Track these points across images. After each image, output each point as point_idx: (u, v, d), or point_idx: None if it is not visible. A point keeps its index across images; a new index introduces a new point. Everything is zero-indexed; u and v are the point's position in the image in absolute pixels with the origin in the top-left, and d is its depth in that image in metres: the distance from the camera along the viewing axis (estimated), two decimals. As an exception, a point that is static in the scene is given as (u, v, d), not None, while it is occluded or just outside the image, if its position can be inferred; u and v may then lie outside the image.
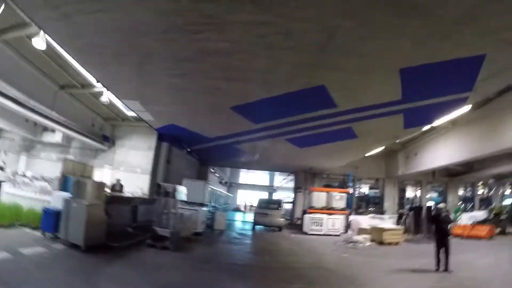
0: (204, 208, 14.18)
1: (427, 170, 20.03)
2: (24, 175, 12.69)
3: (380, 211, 22.78)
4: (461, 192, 26.83)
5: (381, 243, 13.74)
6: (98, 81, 10.17)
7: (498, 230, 15.91)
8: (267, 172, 38.09)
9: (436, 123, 12.47)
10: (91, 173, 12.54)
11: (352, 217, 19.21)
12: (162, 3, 5.21)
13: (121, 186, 12.95)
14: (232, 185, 42.06)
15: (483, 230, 15.41)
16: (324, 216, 17.56)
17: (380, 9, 5.00)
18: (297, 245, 13.29)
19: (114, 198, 9.82)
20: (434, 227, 8.76)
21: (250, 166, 25.50)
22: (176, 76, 8.21)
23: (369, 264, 9.61)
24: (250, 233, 17.37)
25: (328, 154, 16.89)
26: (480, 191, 26.75)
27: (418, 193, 26.11)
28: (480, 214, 19.24)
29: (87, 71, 9.09)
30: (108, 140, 16.12)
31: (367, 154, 17.77)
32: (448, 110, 10.25)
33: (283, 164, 22.09)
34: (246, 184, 43.16)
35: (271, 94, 9.05)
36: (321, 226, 17.19)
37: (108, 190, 10.41)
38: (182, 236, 10.37)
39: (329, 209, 18.53)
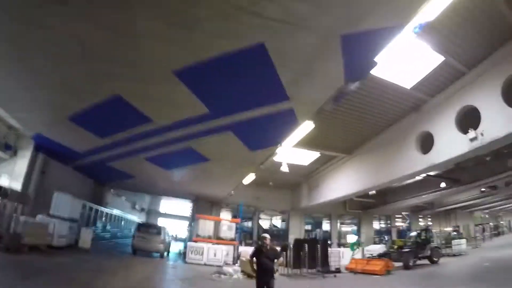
0: (68, 223, 15.09)
1: (327, 202, 20.82)
2: None
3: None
4: (377, 224, 28.53)
5: (250, 275, 12.39)
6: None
7: (395, 264, 15.67)
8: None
9: (287, 142, 12.22)
10: None
11: (242, 248, 19.36)
12: None
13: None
14: (151, 213, 42.30)
15: (378, 265, 14.98)
16: (205, 245, 17.92)
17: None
18: (159, 272, 13.40)
19: None
20: (255, 262, 6.71)
21: (147, 190, 26.10)
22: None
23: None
24: (119, 255, 17.68)
25: (202, 179, 18.37)
26: (398, 223, 28.57)
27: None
28: (378, 248, 20.00)
29: None
30: (10, 148, 15.80)
31: (245, 182, 18.67)
32: (284, 126, 10.76)
33: (173, 189, 22.99)
34: (166, 214, 43.43)
35: (82, 106, 10.68)
36: (201, 255, 17.45)
37: None
38: (24, 243, 11.47)
39: (216, 239, 19.27)
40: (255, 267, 6.61)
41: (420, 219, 29.64)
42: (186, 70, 7.96)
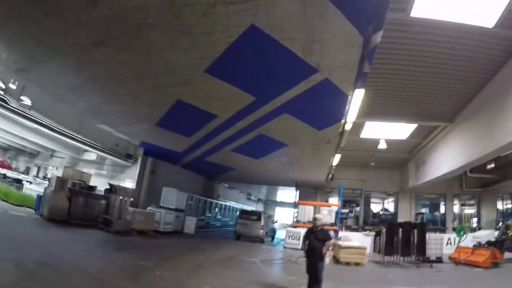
0: (174, 213, 17.66)
1: (433, 180, 18.53)
2: (37, 177, 19.06)
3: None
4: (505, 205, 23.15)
5: (338, 261, 12.87)
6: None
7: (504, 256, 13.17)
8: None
9: (351, 116, 11.27)
10: (88, 179, 17.82)
11: (342, 233, 19.08)
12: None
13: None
14: (268, 202, 44.04)
15: (483, 255, 12.79)
16: (302, 230, 17.63)
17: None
18: (245, 254, 13.71)
19: (78, 191, 14.62)
20: (306, 246, 6.73)
21: (252, 180, 27.12)
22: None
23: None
24: (221, 239, 19.29)
25: (293, 165, 18.83)
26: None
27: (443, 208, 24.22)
28: (486, 234, 16.81)
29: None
30: (131, 157, 20.90)
31: (334, 164, 18.33)
32: (335, 99, 10.14)
33: (275, 178, 23.98)
34: (282, 202, 44.65)
35: (160, 114, 12.86)
36: (298, 240, 17.50)
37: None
38: (133, 228, 14.40)
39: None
40: (306, 247, 6.73)
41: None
42: (212, 67, 8.73)
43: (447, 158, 15.67)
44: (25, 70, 11.08)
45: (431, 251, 14.24)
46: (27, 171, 22.53)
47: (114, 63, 9.23)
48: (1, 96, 13.03)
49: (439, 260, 14.06)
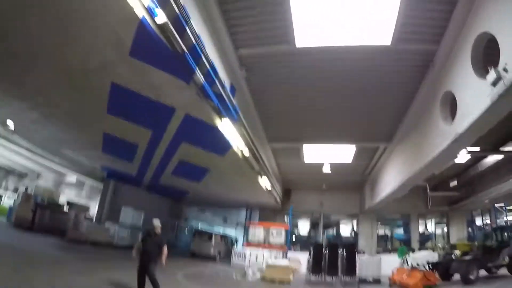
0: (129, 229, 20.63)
1: (383, 199, 19.40)
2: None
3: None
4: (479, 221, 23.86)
5: (272, 280, 13.94)
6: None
7: (439, 279, 13.01)
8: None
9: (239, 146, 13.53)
10: (57, 197, 21.35)
11: (291, 253, 20.79)
12: None
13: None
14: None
15: (415, 277, 12.41)
16: (247, 250, 20.39)
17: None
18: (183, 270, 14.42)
19: (43, 205, 18.23)
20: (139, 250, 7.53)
21: (212, 203, 28.81)
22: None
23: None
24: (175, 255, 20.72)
25: (229, 188, 21.50)
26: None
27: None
28: (425, 255, 16.06)
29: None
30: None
31: (264, 187, 19.78)
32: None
33: (228, 200, 25.81)
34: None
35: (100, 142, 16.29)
36: (244, 258, 19.81)
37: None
38: (86, 239, 17.40)
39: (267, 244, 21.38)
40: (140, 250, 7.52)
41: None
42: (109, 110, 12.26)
43: (391, 177, 16.82)
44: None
45: (367, 272, 15.01)
46: (15, 190, 26.53)
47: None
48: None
49: (376, 281, 14.79)
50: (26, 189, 19.87)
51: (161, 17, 6.52)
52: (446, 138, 9.63)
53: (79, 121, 14.29)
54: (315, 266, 15.11)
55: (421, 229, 24.93)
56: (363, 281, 14.65)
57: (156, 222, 7.80)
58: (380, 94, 12.32)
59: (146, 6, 6.21)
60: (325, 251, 15.28)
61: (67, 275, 8.68)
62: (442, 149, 10.15)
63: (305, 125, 15.52)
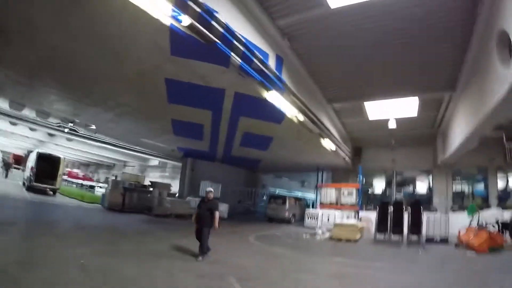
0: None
1: (453, 152, 17.92)
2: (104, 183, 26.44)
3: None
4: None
5: (339, 239, 14.37)
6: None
7: (505, 239, 12.34)
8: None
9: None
10: (142, 180, 24.22)
11: (362, 213, 20.67)
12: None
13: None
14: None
15: (480, 238, 11.82)
16: (319, 211, 21.25)
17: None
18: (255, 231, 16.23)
19: (130, 189, 20.91)
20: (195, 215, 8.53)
21: (285, 169, 30.02)
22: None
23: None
24: (252, 221, 22.67)
25: (298, 153, 21.98)
26: None
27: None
28: (491, 213, 15.10)
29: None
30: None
31: (328, 148, 19.77)
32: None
33: (299, 165, 26.55)
34: None
35: (169, 127, 18.28)
36: (316, 219, 20.53)
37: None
38: (170, 212, 19.96)
39: (339, 205, 22.12)
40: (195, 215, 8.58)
41: None
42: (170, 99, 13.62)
43: (460, 128, 15.64)
44: (77, 114, 17.51)
45: (435, 231, 14.60)
46: (106, 181, 30.72)
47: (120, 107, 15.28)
48: (72, 127, 19.99)
49: (443, 240, 14.29)
50: (116, 177, 23.04)
51: (185, 21, 7.32)
52: (505, 82, 8.54)
53: (147, 113, 16.56)
54: (381, 225, 15.12)
55: (502, 184, 22.32)
56: (430, 240, 14.40)
57: (208, 188, 8.81)
58: (431, 40, 11.49)
59: (170, 15, 7.07)
60: (390, 209, 15.10)
61: (149, 242, 10.55)
62: (502, 95, 8.96)
63: (361, 82, 15.35)
